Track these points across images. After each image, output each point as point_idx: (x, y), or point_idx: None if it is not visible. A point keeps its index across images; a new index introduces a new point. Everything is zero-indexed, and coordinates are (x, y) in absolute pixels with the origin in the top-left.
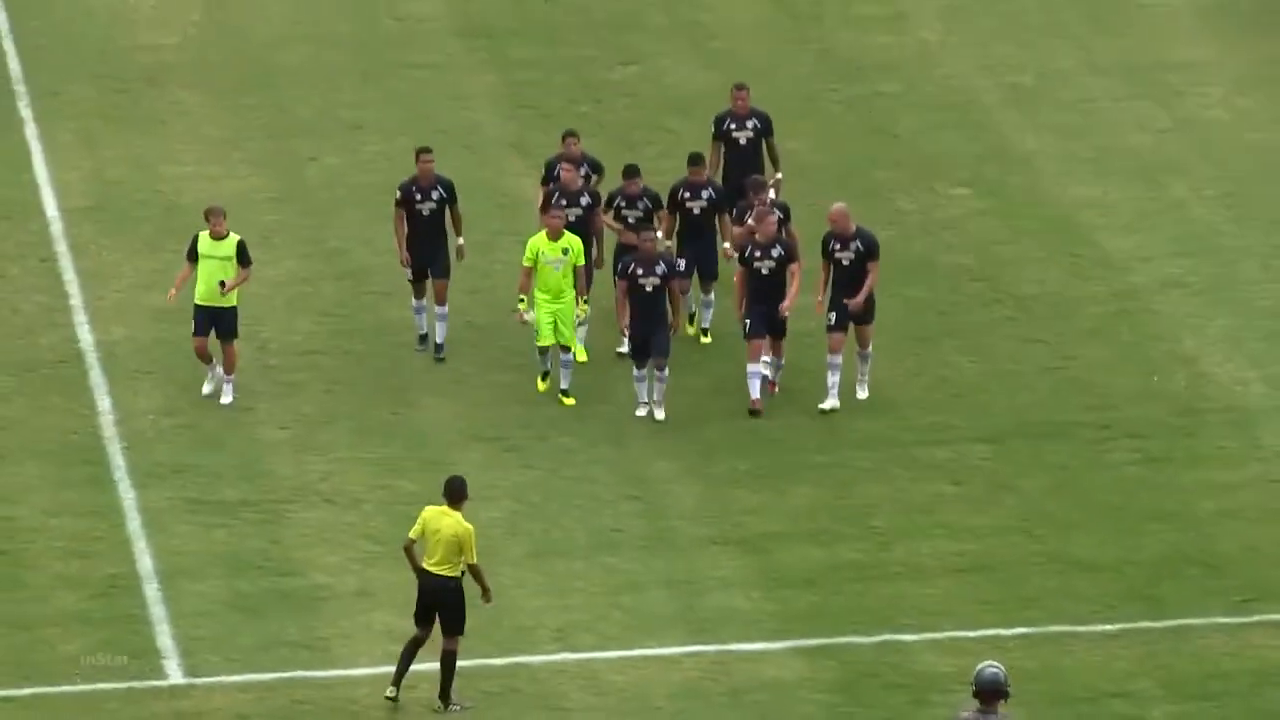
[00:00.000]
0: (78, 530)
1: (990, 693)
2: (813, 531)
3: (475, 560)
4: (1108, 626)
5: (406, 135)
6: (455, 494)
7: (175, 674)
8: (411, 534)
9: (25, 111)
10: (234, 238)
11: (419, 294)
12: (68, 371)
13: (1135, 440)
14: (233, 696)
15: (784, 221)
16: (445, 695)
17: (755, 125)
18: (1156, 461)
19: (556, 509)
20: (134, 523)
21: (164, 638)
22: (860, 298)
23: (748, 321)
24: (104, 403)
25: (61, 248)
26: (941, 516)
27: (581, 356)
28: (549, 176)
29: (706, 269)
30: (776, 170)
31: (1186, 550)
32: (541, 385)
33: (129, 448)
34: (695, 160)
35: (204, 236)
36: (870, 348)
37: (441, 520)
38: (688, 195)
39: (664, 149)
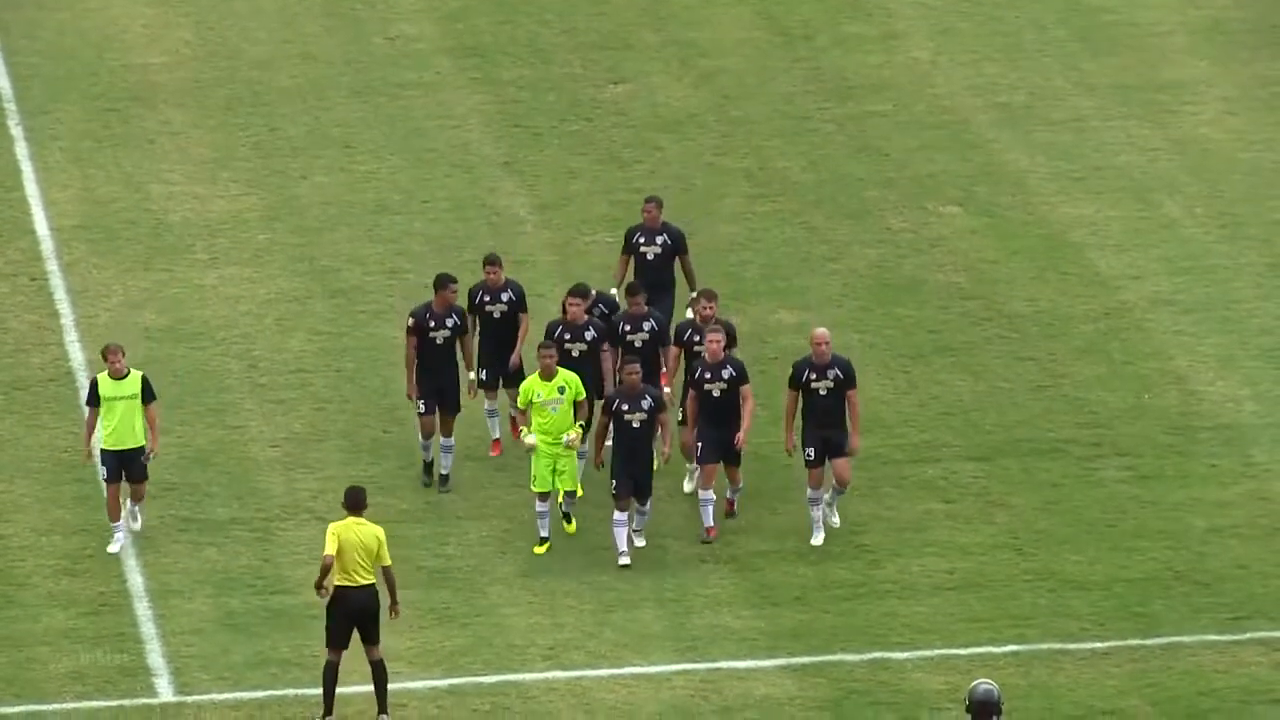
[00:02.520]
0: (68, 548)
1: (983, 710)
2: (802, 550)
3: (390, 563)
4: (1098, 644)
5: (397, 154)
6: (358, 503)
7: (166, 692)
8: (329, 550)
9: (15, 130)
10: (136, 374)
11: (427, 431)
12: (58, 390)
13: (1126, 458)
14: (223, 714)
15: (731, 343)
16: (385, 705)
17: (665, 241)
18: (1148, 479)
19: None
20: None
21: (155, 655)
22: (855, 437)
23: (699, 445)
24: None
25: (52, 266)
26: (932, 534)
27: (570, 529)
28: (555, 317)
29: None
30: (692, 289)
31: (1177, 568)
32: (539, 549)
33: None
34: (633, 290)
35: (104, 379)
36: (849, 486)
37: (357, 531)
38: (628, 329)
39: (653, 167)
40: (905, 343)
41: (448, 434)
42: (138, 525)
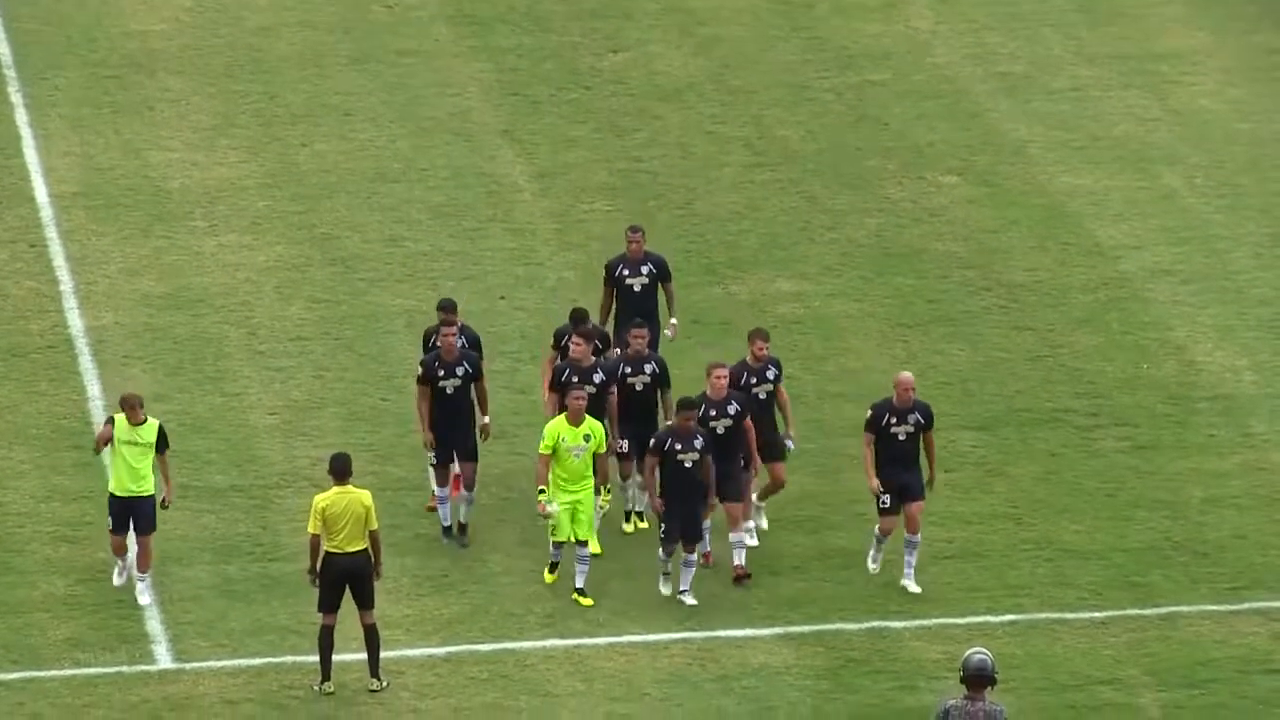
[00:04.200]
0: (67, 515)
1: (977, 679)
2: (801, 519)
3: (377, 527)
4: (1096, 614)
5: (396, 122)
6: (344, 470)
7: (164, 659)
8: (313, 528)
9: (15, 97)
10: (153, 423)
11: (443, 480)
12: (57, 357)
13: (1125, 428)
14: (222, 681)
15: (758, 384)
16: (377, 670)
17: (650, 270)
18: (1146, 449)
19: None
20: None
21: (153, 622)
22: (932, 473)
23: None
24: (94, 388)
25: (51, 233)
26: (930, 504)
27: (595, 549)
28: (559, 342)
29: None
30: (671, 315)
31: (1175, 538)
32: (549, 577)
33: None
34: (639, 326)
35: (121, 421)
36: (919, 535)
37: (344, 500)
38: (629, 371)
39: (651, 135)
40: (904, 312)
41: (469, 486)
42: (146, 600)
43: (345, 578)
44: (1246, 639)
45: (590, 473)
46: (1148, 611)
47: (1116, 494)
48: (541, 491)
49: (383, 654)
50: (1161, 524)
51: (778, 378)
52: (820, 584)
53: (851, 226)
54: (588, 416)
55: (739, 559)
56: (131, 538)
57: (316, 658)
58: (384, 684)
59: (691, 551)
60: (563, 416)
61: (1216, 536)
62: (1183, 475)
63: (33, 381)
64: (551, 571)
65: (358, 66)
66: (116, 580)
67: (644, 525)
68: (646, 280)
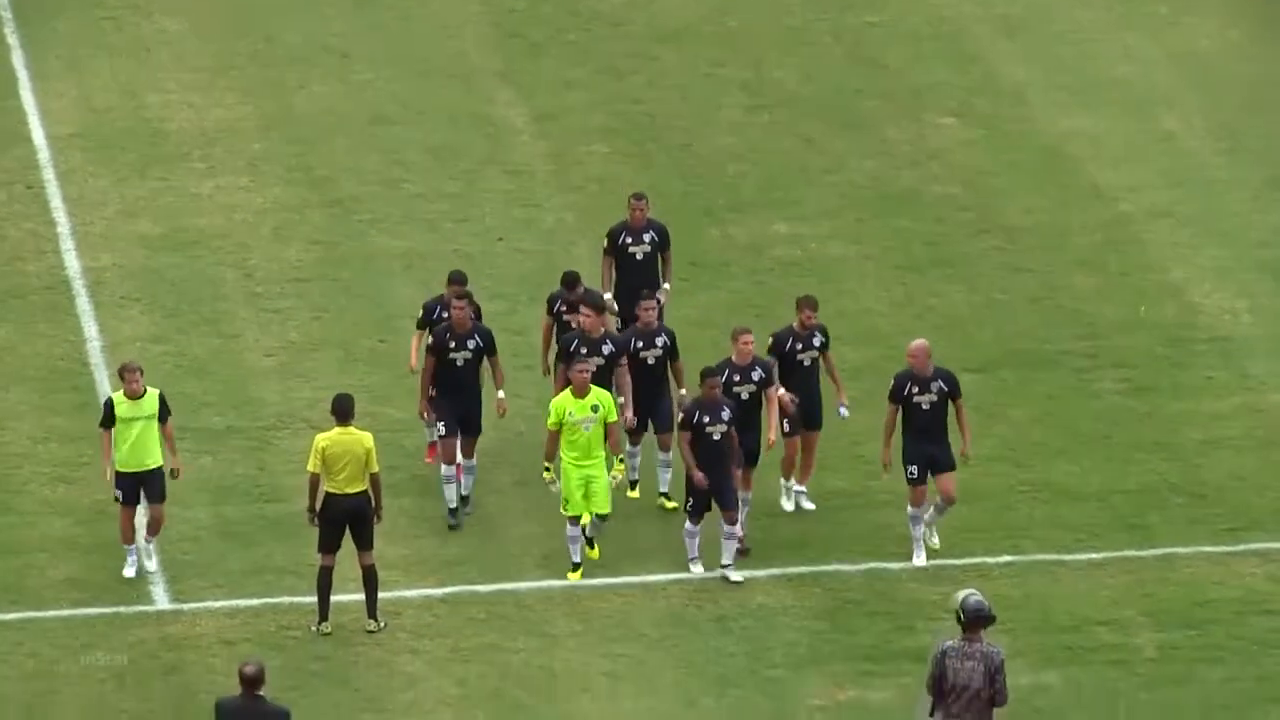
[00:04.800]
0: (65, 456)
1: (975, 620)
2: (798, 461)
3: (378, 470)
4: (1094, 555)
5: (394, 64)
6: (346, 411)
7: (162, 599)
8: (312, 467)
9: (12, 39)
10: (153, 393)
11: (449, 455)
12: (55, 298)
13: (1123, 370)
14: (219, 621)
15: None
16: (375, 611)
17: (652, 238)
18: (1144, 391)
19: (544, 437)
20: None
21: (151, 563)
22: (966, 443)
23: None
24: (91, 329)
25: (48, 175)
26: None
27: (594, 555)
28: (552, 308)
29: (661, 422)
30: (665, 281)
31: (1173, 479)
32: (573, 576)
33: (116, 375)
34: (647, 298)
35: (119, 399)
36: (954, 503)
37: (344, 440)
38: (640, 345)
39: (650, 78)
40: (902, 254)
41: (469, 455)
42: (153, 565)
43: (345, 519)
44: (1244, 580)
45: (602, 446)
46: (1145, 553)
47: (1114, 436)
48: (547, 469)
49: (380, 595)
50: (1159, 465)
51: (824, 345)
52: (818, 525)
53: (849, 169)
54: (593, 386)
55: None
56: (137, 543)
57: (314, 599)
58: (381, 625)
59: (732, 522)
60: (567, 390)
61: (1214, 478)
62: (1180, 417)
63: (30, 323)
64: (574, 570)
65: (355, 8)
66: (128, 571)
67: (672, 505)
68: (649, 248)
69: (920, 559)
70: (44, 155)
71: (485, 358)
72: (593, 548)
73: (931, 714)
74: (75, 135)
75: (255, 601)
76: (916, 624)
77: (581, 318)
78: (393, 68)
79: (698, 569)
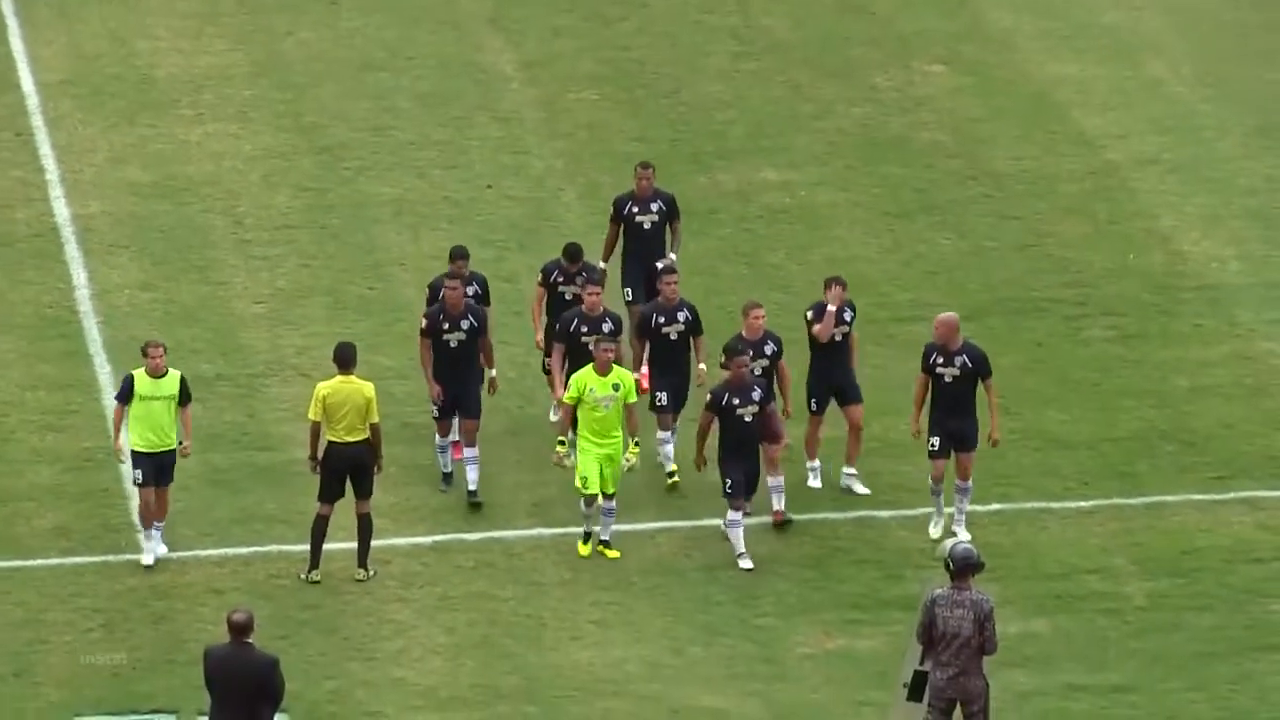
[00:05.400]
0: (53, 404)
1: (964, 569)
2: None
3: (378, 420)
4: (1083, 503)
5: (383, 11)
6: (347, 359)
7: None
8: (313, 415)
9: None
10: (175, 374)
11: (444, 431)
12: (44, 246)
13: (1111, 317)
14: (208, 570)
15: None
16: (366, 560)
17: (660, 208)
18: (1132, 338)
19: (532, 385)
20: (109, 397)
21: (161, 549)
22: (994, 428)
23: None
24: (80, 277)
25: (38, 121)
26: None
27: (613, 555)
28: (548, 279)
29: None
30: (673, 251)
31: (1162, 427)
32: (583, 549)
33: (105, 322)
34: (668, 272)
35: (141, 376)
36: (970, 480)
37: (344, 389)
38: (662, 320)
39: (638, 24)
40: (890, 201)
41: (471, 443)
42: (162, 550)
43: (346, 467)
44: (1232, 528)
45: (619, 425)
46: (1134, 500)
47: (1103, 383)
48: (561, 443)
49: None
50: (1148, 413)
51: (853, 320)
52: (807, 473)
53: (838, 116)
54: (615, 365)
55: (778, 503)
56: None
57: (302, 547)
58: (371, 573)
59: (742, 509)
60: (590, 366)
61: (1203, 425)
62: (1169, 364)
63: (19, 270)
64: (585, 542)
65: None
66: (146, 559)
67: (673, 481)
68: (657, 218)
69: (936, 530)
70: (33, 102)
71: (479, 338)
72: (610, 549)
73: (921, 662)
74: (64, 82)
75: (244, 550)
76: (905, 572)
77: (588, 296)
78: (382, 14)
79: (747, 564)
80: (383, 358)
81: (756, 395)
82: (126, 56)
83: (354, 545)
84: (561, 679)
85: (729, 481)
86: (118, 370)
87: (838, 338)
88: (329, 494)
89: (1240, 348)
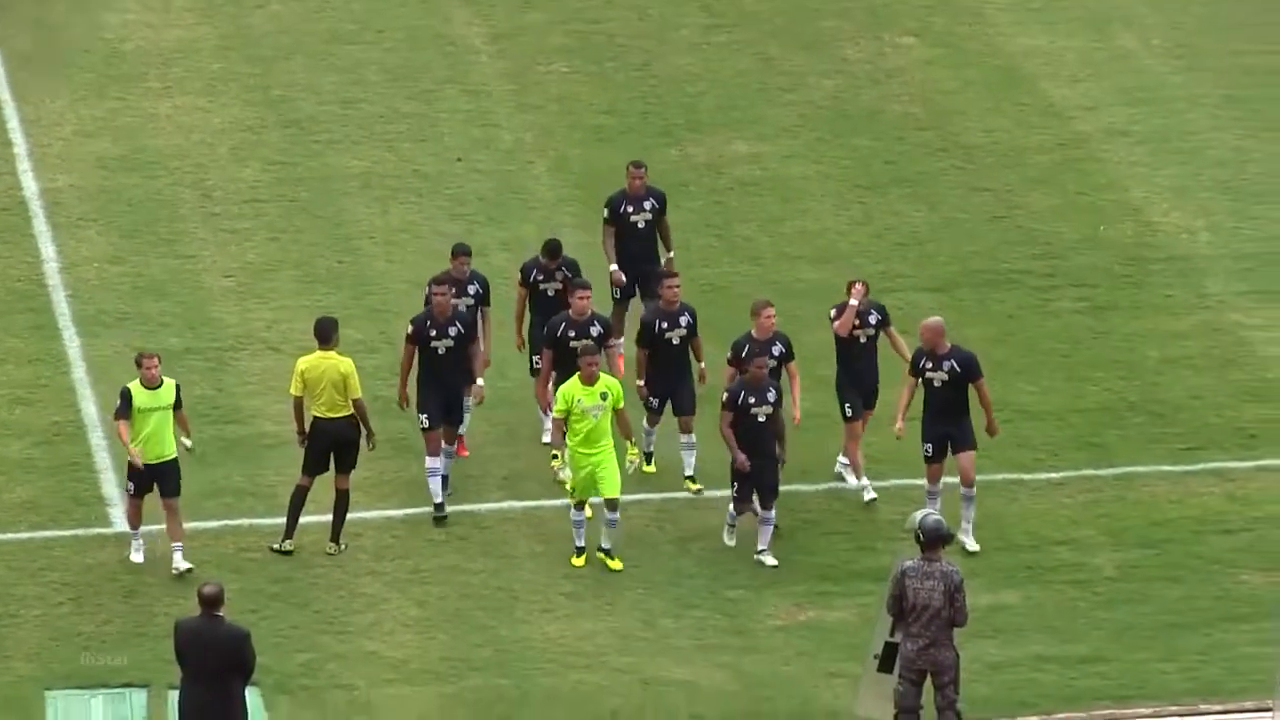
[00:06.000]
0: (22, 378)
1: (934, 540)
2: None
3: (360, 395)
4: (1053, 474)
5: None
6: (325, 335)
7: (120, 522)
8: (293, 390)
9: None
10: (171, 383)
11: (434, 448)
12: (11, 219)
13: (1081, 289)
14: None
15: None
16: (339, 535)
17: (653, 205)
18: (1102, 310)
19: (503, 357)
20: (78, 370)
21: (109, 485)
22: (990, 422)
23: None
24: (48, 250)
25: (5, 95)
26: (885, 365)
27: (616, 565)
28: (528, 278)
29: (683, 404)
30: (668, 249)
31: (1131, 398)
32: (577, 561)
33: (73, 295)
34: (668, 275)
35: (138, 389)
36: (975, 487)
37: (322, 364)
38: (665, 325)
39: None
40: (861, 173)
41: (450, 442)
42: (185, 566)
43: (331, 444)
44: (1201, 499)
45: (610, 434)
46: (1104, 472)
47: (1072, 355)
48: (555, 456)
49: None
50: (1117, 385)
51: (880, 321)
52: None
53: (808, 88)
54: (602, 374)
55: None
56: (142, 533)
57: (273, 520)
58: (342, 547)
59: (769, 508)
60: (576, 377)
61: (1172, 397)
62: (1139, 336)
63: None
64: (578, 556)
65: None
66: (136, 556)
67: (696, 487)
68: (650, 216)
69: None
70: (0, 75)
71: (467, 344)
72: (612, 558)
73: (892, 634)
74: (31, 54)
75: (214, 524)
76: (876, 544)
77: (576, 300)
78: None
79: (731, 540)
80: (352, 331)
81: (771, 395)
82: (94, 30)
83: (328, 519)
84: (533, 651)
85: (736, 485)
86: (86, 344)
87: (862, 339)
88: (312, 468)
89: (1210, 319)
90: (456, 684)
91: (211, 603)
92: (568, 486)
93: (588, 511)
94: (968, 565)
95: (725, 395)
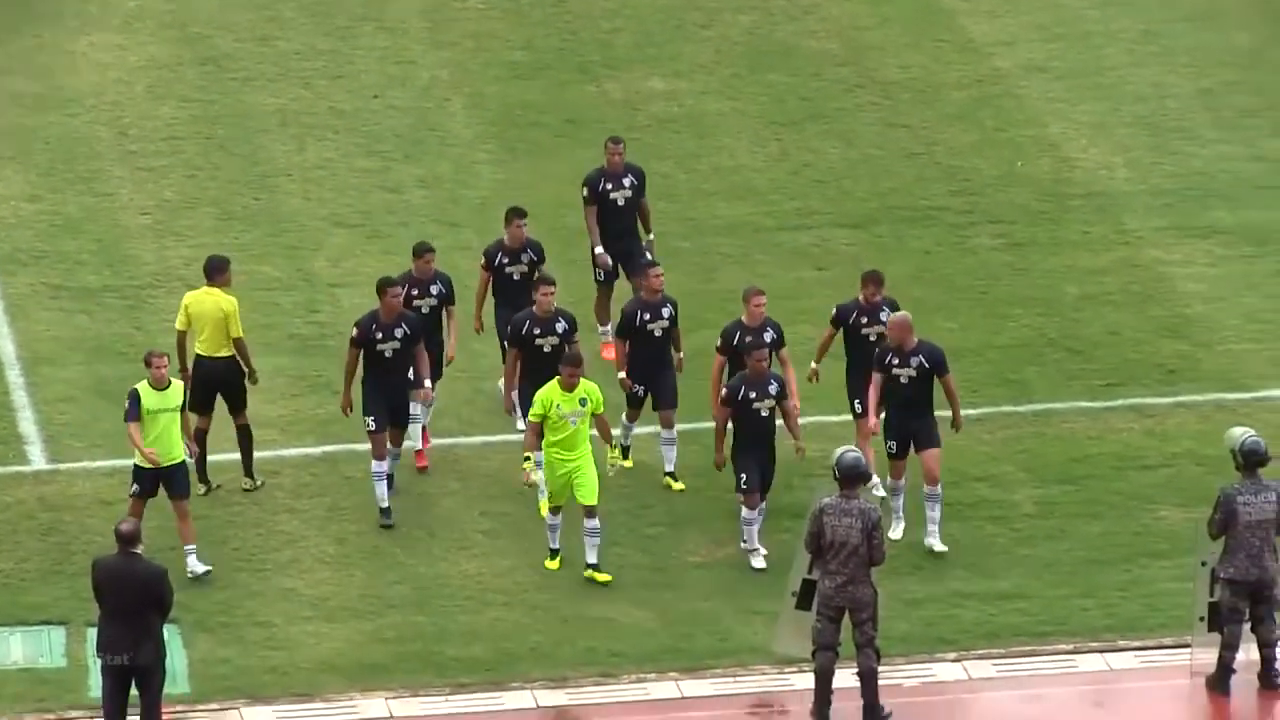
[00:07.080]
0: None
1: (852, 477)
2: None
3: (241, 334)
4: (971, 411)
5: None
6: (212, 270)
7: (39, 459)
8: (179, 324)
9: None
10: (178, 384)
11: (380, 452)
12: None
13: (999, 225)
14: (96, 481)
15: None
16: (251, 469)
17: (632, 182)
18: (1020, 246)
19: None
20: None
21: (26, 424)
22: (957, 416)
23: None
24: None
25: None
26: (804, 303)
27: (604, 579)
28: (491, 262)
29: (664, 397)
30: (648, 231)
31: (1050, 335)
32: (552, 564)
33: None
34: (651, 266)
35: (146, 390)
36: (940, 485)
37: (205, 301)
38: (647, 317)
39: None
40: (778, 110)
41: (396, 444)
42: (202, 569)
43: (212, 382)
44: (1120, 435)
45: (588, 440)
46: (1023, 408)
47: (990, 291)
48: (527, 459)
49: (257, 454)
50: (1036, 321)
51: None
52: (696, 382)
53: (725, 24)
54: (582, 379)
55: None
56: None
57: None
58: (258, 483)
59: (754, 506)
60: (555, 382)
61: (1091, 333)
62: (1057, 272)
63: None
64: (553, 559)
65: None
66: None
67: (679, 486)
68: (630, 193)
69: (897, 533)
70: None
71: (411, 347)
72: (600, 572)
73: (810, 570)
74: None
75: (131, 462)
76: (794, 480)
77: (540, 297)
78: None
79: (759, 563)
80: (269, 268)
81: (773, 389)
82: None
83: (239, 456)
84: (450, 588)
85: (744, 477)
86: (4, 281)
87: (871, 337)
88: (199, 407)
89: (1128, 255)
90: (375, 621)
91: (129, 540)
92: (539, 490)
93: (583, 519)
94: (886, 503)
95: (725, 390)
